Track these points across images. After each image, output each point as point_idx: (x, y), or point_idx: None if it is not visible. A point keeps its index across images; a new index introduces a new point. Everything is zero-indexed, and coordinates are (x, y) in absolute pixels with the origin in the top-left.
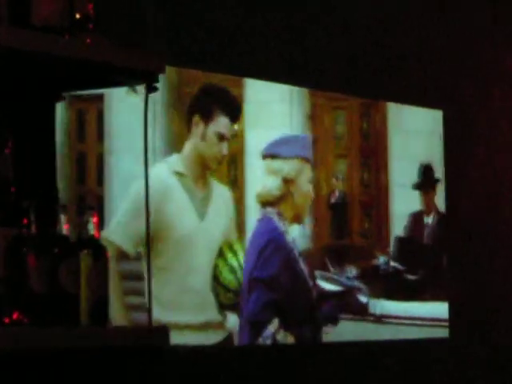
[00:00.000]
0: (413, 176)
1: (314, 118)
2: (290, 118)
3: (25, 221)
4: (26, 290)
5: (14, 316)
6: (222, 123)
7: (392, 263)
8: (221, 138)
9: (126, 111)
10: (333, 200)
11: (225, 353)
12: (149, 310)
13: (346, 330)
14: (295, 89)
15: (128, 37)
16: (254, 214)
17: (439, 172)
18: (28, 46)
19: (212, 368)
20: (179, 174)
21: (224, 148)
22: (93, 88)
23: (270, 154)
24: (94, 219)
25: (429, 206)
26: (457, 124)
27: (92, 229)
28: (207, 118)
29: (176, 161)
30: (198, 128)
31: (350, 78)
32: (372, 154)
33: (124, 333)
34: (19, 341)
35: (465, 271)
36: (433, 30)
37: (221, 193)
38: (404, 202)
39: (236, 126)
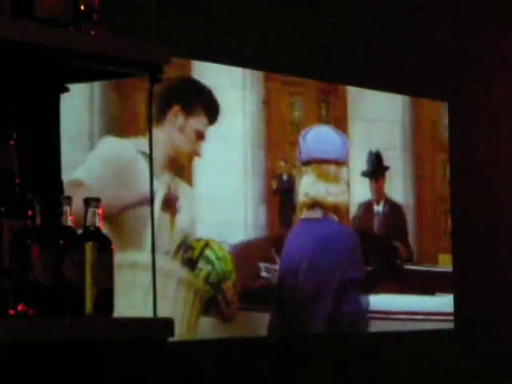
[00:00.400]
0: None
1: (268, 103)
2: (243, 103)
3: (29, 212)
4: (30, 281)
5: (19, 308)
6: (201, 122)
7: None
8: (199, 136)
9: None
10: (279, 185)
11: (226, 345)
12: (154, 302)
13: None
14: (248, 72)
15: (132, 28)
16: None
17: (398, 160)
18: (31, 37)
19: (214, 361)
20: (146, 155)
21: (199, 148)
22: (97, 79)
23: (328, 159)
24: (99, 210)
25: (378, 194)
26: (460, 116)
27: (97, 220)
28: (188, 111)
29: (143, 143)
30: (177, 119)
31: (347, 67)
32: None
33: (128, 324)
34: (24, 332)
35: (469, 265)
36: (437, 23)
37: (184, 191)
38: (365, 192)
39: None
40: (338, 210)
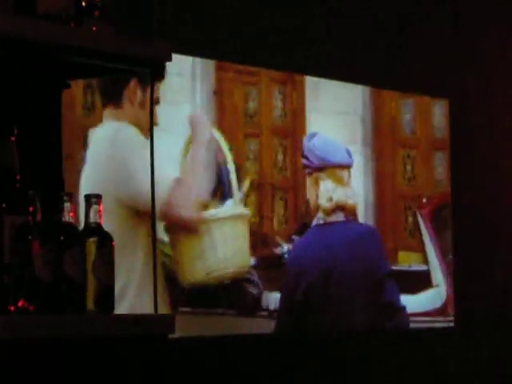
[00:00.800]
0: None
1: (220, 93)
2: (192, 93)
3: (30, 209)
4: (31, 277)
5: (20, 304)
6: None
7: None
8: (156, 103)
9: None
10: None
11: (228, 342)
12: (154, 298)
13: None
14: (198, 61)
15: (134, 24)
16: None
17: (358, 155)
18: (33, 34)
19: (218, 357)
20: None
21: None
22: (99, 76)
23: (340, 163)
24: (100, 207)
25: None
26: (461, 114)
27: (97, 217)
28: (144, 82)
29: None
30: (136, 95)
31: (352, 67)
32: (288, 134)
33: (129, 320)
34: (24, 329)
35: (468, 260)
36: (438, 20)
37: None
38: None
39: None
40: (355, 211)
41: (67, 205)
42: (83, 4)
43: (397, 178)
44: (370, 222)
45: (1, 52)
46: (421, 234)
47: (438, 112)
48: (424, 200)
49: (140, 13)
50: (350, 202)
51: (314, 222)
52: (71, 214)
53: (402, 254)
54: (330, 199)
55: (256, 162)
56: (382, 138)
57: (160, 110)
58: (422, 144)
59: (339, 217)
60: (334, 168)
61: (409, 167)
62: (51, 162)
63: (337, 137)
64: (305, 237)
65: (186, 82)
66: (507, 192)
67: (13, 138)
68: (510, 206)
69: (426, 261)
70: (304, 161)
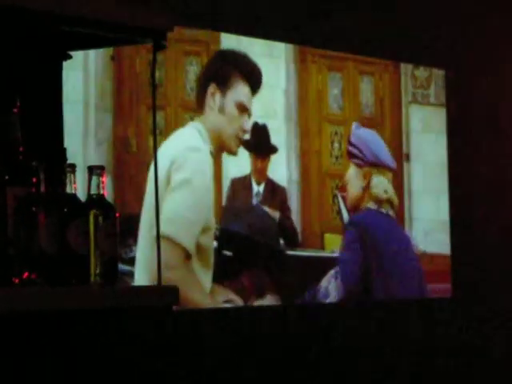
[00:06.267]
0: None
1: (118, 59)
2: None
3: (34, 180)
4: (35, 249)
5: (24, 276)
6: (242, 91)
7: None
8: (242, 109)
9: None
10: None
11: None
12: (158, 269)
13: None
14: None
15: None
16: None
17: (278, 136)
18: (34, 4)
19: (222, 329)
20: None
21: (245, 122)
22: (100, 46)
23: (390, 166)
24: (103, 178)
25: (261, 175)
26: (459, 87)
27: (100, 188)
28: (225, 85)
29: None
30: (215, 99)
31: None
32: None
33: (134, 292)
34: (29, 301)
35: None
36: None
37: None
38: (238, 166)
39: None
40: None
41: (70, 176)
42: None
43: (324, 156)
44: (295, 203)
45: (0, 23)
46: (342, 217)
47: (366, 88)
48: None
49: None
50: (396, 201)
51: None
52: (74, 186)
53: (328, 237)
54: (386, 192)
55: None
56: (307, 112)
57: None
58: (350, 121)
59: (386, 209)
60: (385, 168)
61: (336, 145)
62: (53, 133)
63: (257, 109)
64: (367, 216)
65: None
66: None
67: (15, 110)
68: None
69: None
70: (354, 150)
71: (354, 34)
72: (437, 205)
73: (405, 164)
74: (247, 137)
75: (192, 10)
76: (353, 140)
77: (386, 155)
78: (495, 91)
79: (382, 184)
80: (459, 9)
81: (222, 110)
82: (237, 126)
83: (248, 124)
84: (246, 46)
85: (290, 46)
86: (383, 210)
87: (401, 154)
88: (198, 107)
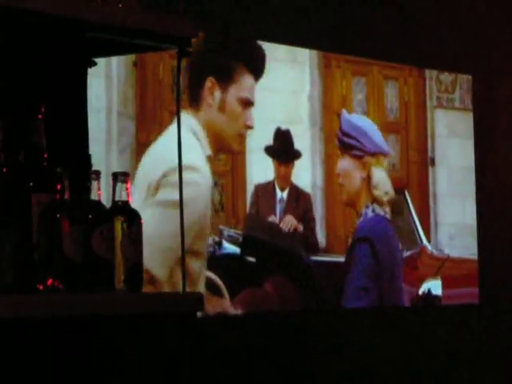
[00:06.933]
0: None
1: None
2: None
3: (58, 187)
4: (60, 256)
5: (49, 282)
6: (245, 84)
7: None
8: (245, 104)
9: None
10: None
11: (252, 320)
12: (183, 276)
13: None
14: None
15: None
16: None
17: (302, 141)
18: (60, 10)
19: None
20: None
21: (249, 117)
22: (125, 53)
23: (388, 152)
24: (127, 185)
25: (285, 180)
26: (485, 91)
27: (125, 195)
28: (225, 79)
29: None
30: (214, 95)
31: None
32: None
33: (158, 299)
34: (53, 307)
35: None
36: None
37: None
38: (264, 172)
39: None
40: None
41: (95, 183)
42: None
43: None
44: (320, 208)
45: (27, 29)
46: None
47: (390, 93)
48: None
49: None
50: (386, 198)
51: (369, 210)
52: (99, 192)
53: None
54: (386, 193)
55: None
56: (332, 117)
57: None
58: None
59: (385, 210)
60: (385, 156)
61: None
62: (78, 139)
63: (282, 115)
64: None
65: None
66: None
67: (40, 116)
68: None
69: None
70: (350, 140)
71: (379, 39)
72: (462, 209)
73: (430, 168)
74: (250, 131)
75: (216, 16)
76: (346, 129)
77: (382, 141)
78: None
79: (382, 183)
80: (485, 14)
81: (222, 107)
82: (239, 123)
83: (252, 118)
84: (269, 51)
85: (314, 52)
86: (381, 212)
87: (426, 159)
88: (192, 102)
